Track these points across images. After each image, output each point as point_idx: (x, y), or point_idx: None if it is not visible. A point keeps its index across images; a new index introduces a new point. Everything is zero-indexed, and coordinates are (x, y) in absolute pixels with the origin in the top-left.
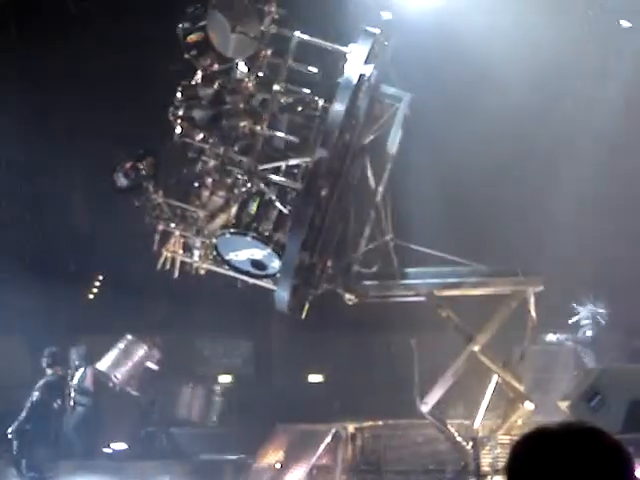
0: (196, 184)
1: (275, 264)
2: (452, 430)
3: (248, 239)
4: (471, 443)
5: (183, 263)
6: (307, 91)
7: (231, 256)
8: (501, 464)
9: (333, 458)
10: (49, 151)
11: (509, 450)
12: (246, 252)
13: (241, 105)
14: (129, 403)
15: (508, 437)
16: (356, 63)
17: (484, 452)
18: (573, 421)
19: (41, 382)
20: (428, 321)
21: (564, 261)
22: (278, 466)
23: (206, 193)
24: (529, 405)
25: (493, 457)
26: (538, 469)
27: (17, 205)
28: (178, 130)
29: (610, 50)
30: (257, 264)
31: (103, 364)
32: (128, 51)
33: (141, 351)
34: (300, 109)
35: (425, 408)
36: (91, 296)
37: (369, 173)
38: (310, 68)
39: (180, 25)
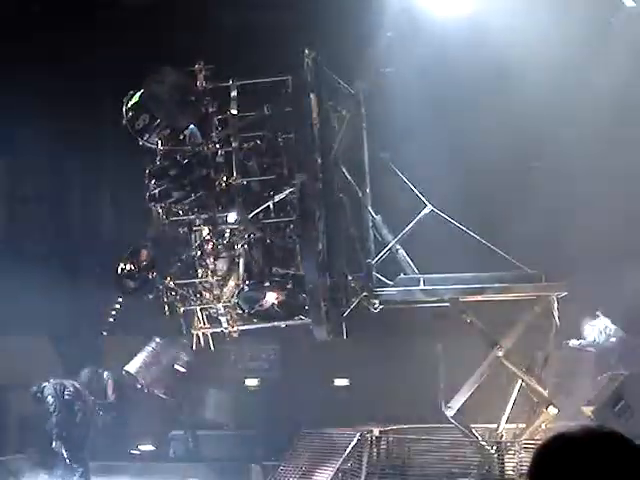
0: (198, 254)
1: (300, 299)
2: (476, 434)
3: (267, 285)
4: (495, 447)
5: (215, 333)
6: (262, 132)
7: (257, 308)
8: (525, 468)
9: (358, 462)
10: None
11: (532, 455)
12: (269, 299)
13: (208, 169)
14: (156, 405)
15: (532, 441)
16: (299, 87)
17: (508, 456)
18: (595, 426)
19: (47, 389)
20: (452, 326)
21: (586, 266)
22: (304, 469)
23: (210, 260)
24: (553, 410)
25: (517, 461)
26: (561, 474)
27: (44, 208)
28: (160, 212)
29: (630, 46)
30: (283, 306)
31: (131, 366)
32: None
33: (169, 354)
34: (264, 149)
35: (450, 412)
36: (120, 299)
37: (351, 180)
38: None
39: (124, 116)
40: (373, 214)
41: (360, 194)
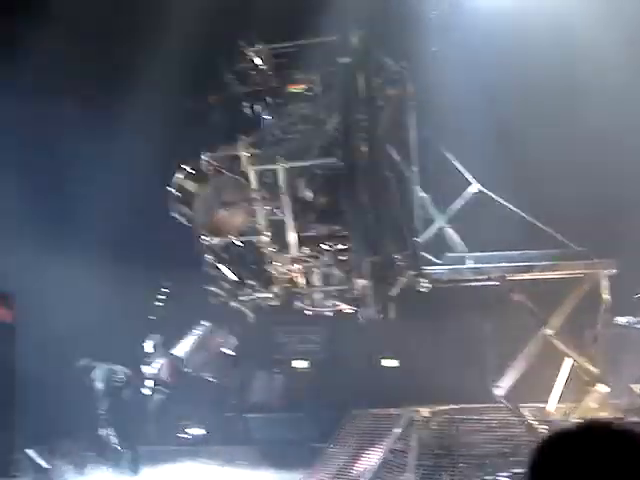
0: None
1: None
2: (526, 414)
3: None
4: (546, 427)
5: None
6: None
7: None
8: None
9: (407, 442)
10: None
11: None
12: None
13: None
14: (206, 389)
15: (583, 420)
16: (345, 76)
17: None
18: (595, 421)
19: (97, 373)
20: (502, 305)
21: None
22: (353, 451)
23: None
24: (603, 388)
25: None
26: (554, 470)
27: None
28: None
29: None
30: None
31: (179, 350)
32: None
33: (218, 338)
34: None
35: (499, 392)
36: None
37: (398, 160)
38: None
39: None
40: (421, 193)
41: (407, 173)
